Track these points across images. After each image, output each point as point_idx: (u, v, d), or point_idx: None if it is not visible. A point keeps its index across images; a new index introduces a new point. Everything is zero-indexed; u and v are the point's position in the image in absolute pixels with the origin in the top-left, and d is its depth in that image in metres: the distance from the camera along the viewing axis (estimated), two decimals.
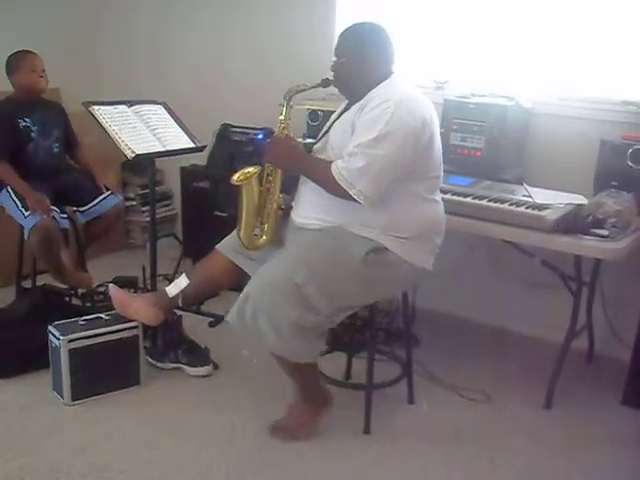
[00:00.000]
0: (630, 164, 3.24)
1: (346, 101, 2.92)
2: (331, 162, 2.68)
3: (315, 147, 2.97)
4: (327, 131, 2.94)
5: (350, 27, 2.84)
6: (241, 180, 2.86)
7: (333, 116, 3.00)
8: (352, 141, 2.66)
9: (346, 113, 2.83)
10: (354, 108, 2.76)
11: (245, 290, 2.71)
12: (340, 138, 2.78)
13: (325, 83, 2.89)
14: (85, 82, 5.02)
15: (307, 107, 4.04)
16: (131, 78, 5.17)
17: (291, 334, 2.65)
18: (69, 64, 4.84)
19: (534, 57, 3.73)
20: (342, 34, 2.84)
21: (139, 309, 3.18)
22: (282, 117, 2.86)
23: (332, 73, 2.85)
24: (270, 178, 2.88)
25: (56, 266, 3.81)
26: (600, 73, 3.57)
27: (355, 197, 2.62)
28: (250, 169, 2.89)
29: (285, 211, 2.95)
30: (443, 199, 2.94)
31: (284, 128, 2.86)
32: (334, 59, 2.83)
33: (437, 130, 2.79)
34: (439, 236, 2.90)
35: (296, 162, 2.84)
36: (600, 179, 3.34)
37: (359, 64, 2.77)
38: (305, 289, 2.63)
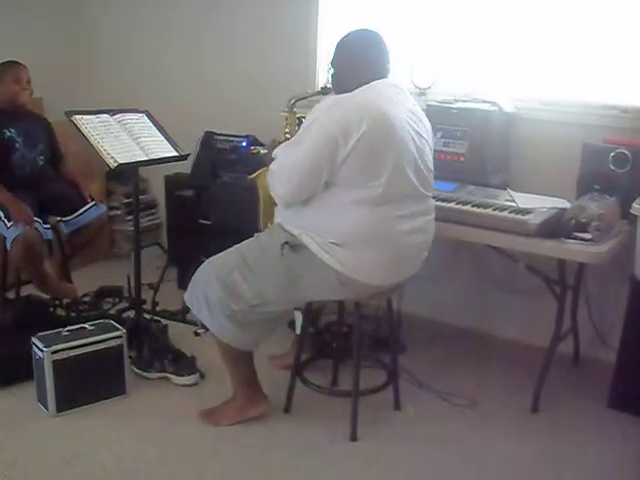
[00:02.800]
0: (612, 168, 3.25)
1: None
2: None
3: None
4: None
5: (342, 36, 2.87)
6: (255, 176, 3.18)
7: None
8: None
9: None
10: None
11: (197, 271, 2.98)
12: None
13: (324, 91, 3.04)
14: (68, 91, 5.01)
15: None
16: (115, 87, 5.15)
17: (221, 313, 2.86)
18: (52, 74, 4.83)
19: (516, 62, 3.74)
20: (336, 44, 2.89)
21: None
22: (285, 123, 3.07)
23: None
24: None
25: (39, 277, 3.80)
26: (582, 77, 3.59)
27: (274, 198, 2.77)
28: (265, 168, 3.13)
29: None
30: None
31: (287, 133, 3.05)
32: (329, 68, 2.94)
33: (382, 144, 2.63)
34: (381, 248, 2.73)
35: None
36: (583, 183, 3.35)
37: (342, 72, 2.83)
38: (232, 275, 2.84)
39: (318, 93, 3.07)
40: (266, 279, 2.82)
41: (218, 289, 2.84)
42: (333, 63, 2.88)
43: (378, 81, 2.77)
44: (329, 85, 2.96)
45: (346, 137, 2.59)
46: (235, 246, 2.94)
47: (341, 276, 2.73)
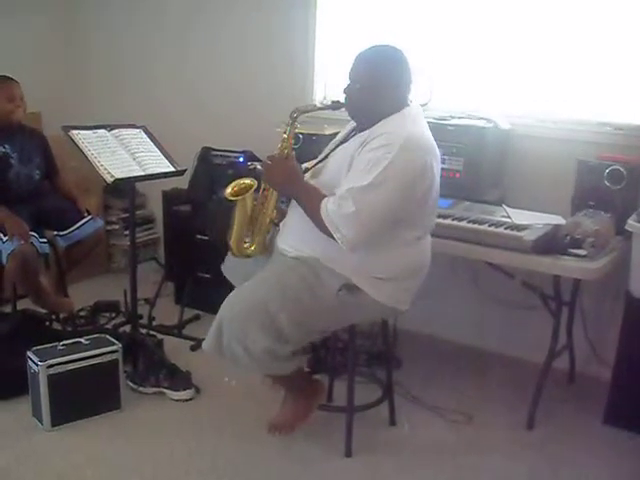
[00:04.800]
0: (607, 184, 3.26)
1: (348, 126, 2.91)
2: (323, 196, 2.63)
3: (313, 169, 2.91)
4: (327, 155, 2.90)
5: (368, 50, 2.74)
6: (235, 194, 2.84)
7: (337, 138, 2.97)
8: (347, 181, 2.60)
9: (350, 142, 2.77)
10: (357, 139, 2.70)
11: (218, 317, 2.69)
12: (336, 169, 2.73)
13: (336, 106, 2.84)
14: (66, 107, 5.01)
15: None
16: (113, 102, 5.17)
17: (264, 358, 2.64)
18: (50, 89, 4.84)
19: (512, 79, 3.76)
20: (359, 57, 2.73)
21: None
22: (285, 136, 2.79)
23: (344, 96, 2.77)
24: (266, 193, 2.86)
25: (35, 291, 3.79)
26: (577, 95, 3.61)
27: (338, 241, 2.58)
28: (246, 181, 2.87)
29: (278, 225, 2.93)
30: None
31: (285, 147, 2.79)
32: (348, 82, 2.75)
33: (437, 175, 2.72)
34: (419, 277, 2.87)
35: (291, 186, 2.75)
36: (578, 199, 3.36)
37: (373, 93, 2.69)
38: (277, 317, 2.62)
39: (328, 107, 2.89)
40: (315, 318, 2.72)
41: (262, 339, 2.60)
42: (357, 78, 2.71)
43: (413, 107, 2.77)
44: (342, 100, 2.79)
45: (423, 179, 2.64)
46: (262, 284, 2.72)
47: (384, 308, 2.78)
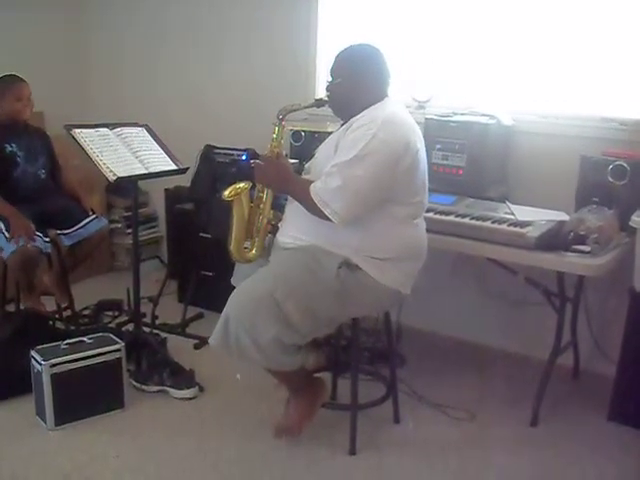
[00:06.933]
0: (611, 180, 3.25)
1: (340, 122, 2.92)
2: (312, 182, 2.69)
3: (305, 167, 3.03)
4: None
5: (347, 48, 2.85)
6: (232, 196, 2.89)
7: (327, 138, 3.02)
8: (332, 160, 2.67)
9: (335, 133, 2.85)
10: (342, 129, 2.79)
11: (224, 312, 2.70)
12: (323, 158, 2.81)
13: (319, 103, 2.91)
14: (70, 105, 5.02)
15: (290, 127, 4.04)
16: (117, 101, 5.18)
17: (272, 349, 2.65)
18: (53, 88, 4.84)
19: (515, 75, 3.75)
20: (339, 55, 2.84)
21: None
22: (274, 136, 2.87)
23: (326, 93, 2.86)
24: (261, 194, 2.91)
25: (28, 286, 3.78)
26: (580, 90, 3.60)
27: (329, 217, 2.63)
28: (241, 184, 2.91)
29: (275, 227, 2.95)
30: (425, 218, 2.95)
31: (276, 147, 2.86)
32: (329, 79, 2.85)
33: (422, 156, 2.78)
34: (418, 260, 2.89)
35: (283, 183, 2.83)
36: (581, 195, 3.35)
37: (354, 86, 2.78)
38: (285, 306, 2.63)
39: (312, 105, 2.94)
40: (321, 303, 2.71)
41: (270, 327, 2.62)
42: (338, 74, 2.81)
43: (391, 98, 2.84)
44: (325, 97, 2.87)
45: (406, 154, 2.67)
46: (267, 274, 2.74)
47: (389, 291, 2.79)
